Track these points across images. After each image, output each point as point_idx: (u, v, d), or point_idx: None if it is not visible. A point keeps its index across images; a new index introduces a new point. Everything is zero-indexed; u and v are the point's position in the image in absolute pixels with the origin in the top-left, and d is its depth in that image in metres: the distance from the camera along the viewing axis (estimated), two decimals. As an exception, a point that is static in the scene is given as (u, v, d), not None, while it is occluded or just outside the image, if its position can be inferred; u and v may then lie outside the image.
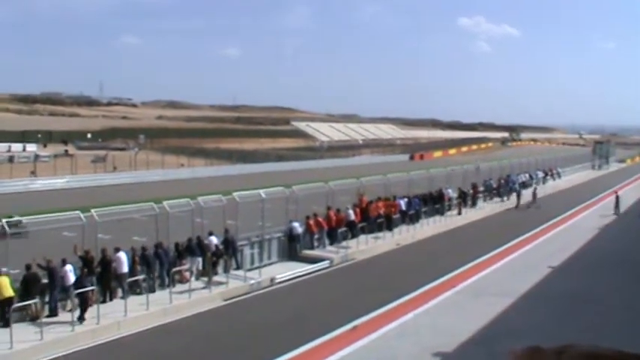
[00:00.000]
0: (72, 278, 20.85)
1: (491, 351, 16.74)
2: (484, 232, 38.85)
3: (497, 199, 52.63)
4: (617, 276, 27.08)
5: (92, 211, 23.33)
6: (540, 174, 68.30)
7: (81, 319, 20.14)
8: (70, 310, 20.17)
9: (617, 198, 46.86)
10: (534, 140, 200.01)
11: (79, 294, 20.43)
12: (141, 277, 23.24)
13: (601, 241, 36.18)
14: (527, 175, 63.04)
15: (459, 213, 44.12)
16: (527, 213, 47.36)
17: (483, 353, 17.29)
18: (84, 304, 20.43)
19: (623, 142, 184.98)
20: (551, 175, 72.08)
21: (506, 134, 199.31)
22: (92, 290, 21.02)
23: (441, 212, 42.24)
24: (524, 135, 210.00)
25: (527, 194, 53.77)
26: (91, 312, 20.44)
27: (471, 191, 48.11)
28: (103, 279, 22.12)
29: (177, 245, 25.31)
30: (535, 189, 54.93)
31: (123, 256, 22.77)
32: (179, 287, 24.07)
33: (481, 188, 50.73)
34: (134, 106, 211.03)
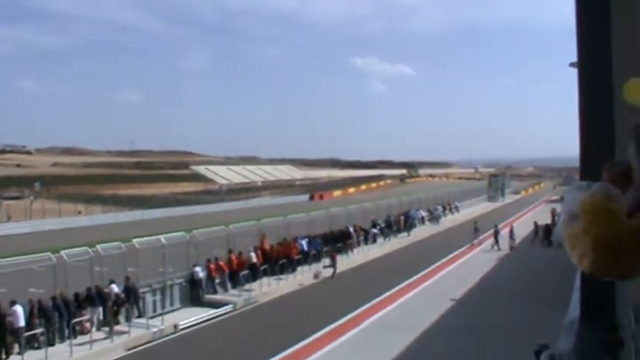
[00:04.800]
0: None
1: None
2: (387, 269, 39.28)
3: (397, 234, 53.34)
4: (517, 305, 27.76)
5: (-15, 263, 22.59)
6: (439, 208, 69.67)
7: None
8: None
9: (497, 232, 48.53)
10: (432, 176, 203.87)
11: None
12: (39, 330, 22.49)
13: (498, 272, 37.19)
14: (421, 212, 64.02)
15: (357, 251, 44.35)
16: (427, 247, 48.17)
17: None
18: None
19: (517, 174, 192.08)
20: (450, 209, 73.63)
21: (404, 171, 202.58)
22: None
23: (343, 251, 42.39)
24: (422, 171, 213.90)
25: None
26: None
27: (371, 229, 48.69)
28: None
29: (76, 295, 24.67)
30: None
31: (19, 309, 21.99)
32: (80, 339, 23.47)
33: (382, 224, 51.40)
34: (28, 153, 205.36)
